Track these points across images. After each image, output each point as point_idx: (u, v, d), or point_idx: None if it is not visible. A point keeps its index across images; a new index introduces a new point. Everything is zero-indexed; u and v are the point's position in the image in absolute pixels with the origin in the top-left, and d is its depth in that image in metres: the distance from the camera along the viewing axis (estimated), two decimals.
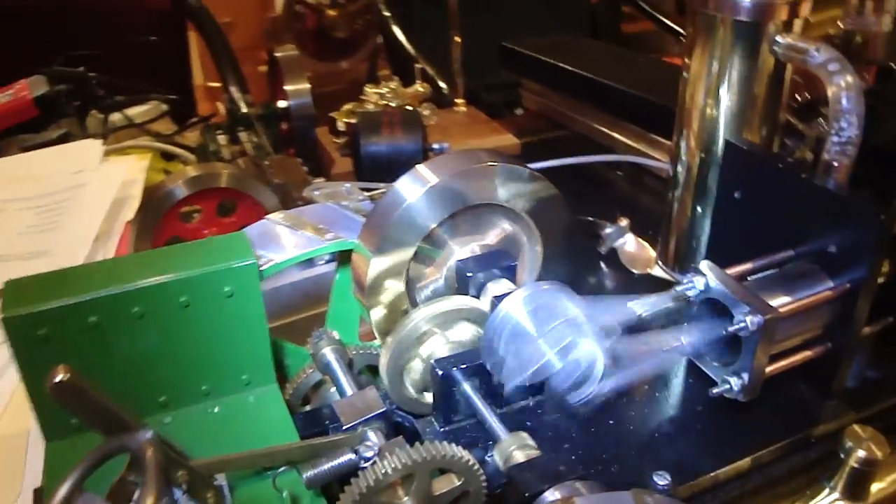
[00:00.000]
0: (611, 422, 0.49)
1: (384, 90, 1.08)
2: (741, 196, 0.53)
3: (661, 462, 0.45)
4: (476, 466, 0.41)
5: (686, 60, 0.56)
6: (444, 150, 0.95)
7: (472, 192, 0.50)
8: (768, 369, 0.47)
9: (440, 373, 0.46)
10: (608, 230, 0.71)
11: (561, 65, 1.05)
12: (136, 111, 1.33)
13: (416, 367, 0.49)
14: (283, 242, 0.52)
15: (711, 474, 0.45)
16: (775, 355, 0.48)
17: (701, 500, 0.46)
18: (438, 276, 0.51)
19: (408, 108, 1.00)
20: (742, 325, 0.43)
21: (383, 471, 0.39)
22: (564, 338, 0.42)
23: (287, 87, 0.98)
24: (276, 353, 0.54)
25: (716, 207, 0.56)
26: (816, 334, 0.49)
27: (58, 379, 0.36)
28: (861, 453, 0.46)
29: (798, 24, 0.53)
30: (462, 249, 0.52)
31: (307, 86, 0.98)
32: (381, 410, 0.46)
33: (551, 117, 1.17)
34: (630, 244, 0.70)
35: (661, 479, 0.44)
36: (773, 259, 0.50)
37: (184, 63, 1.67)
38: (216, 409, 0.50)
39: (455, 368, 0.46)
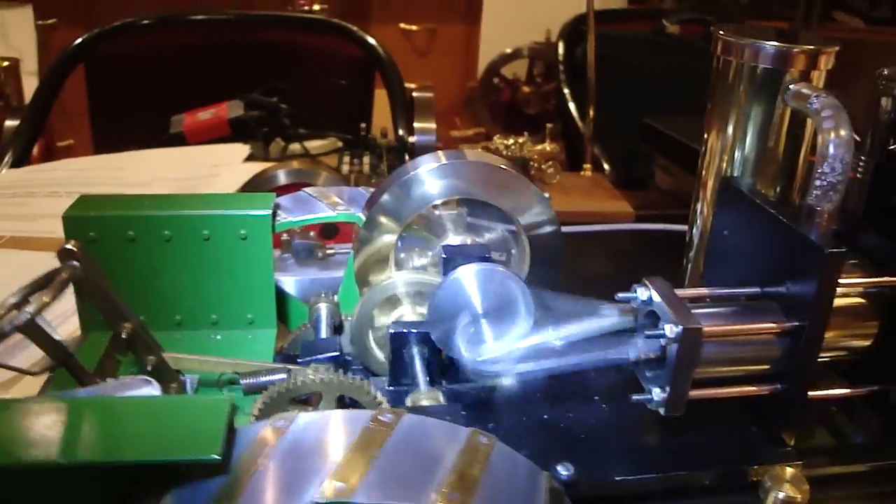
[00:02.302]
0: (545, 416, 0.52)
1: (510, 141, 1.17)
2: (729, 234, 0.55)
3: (573, 456, 0.48)
4: (382, 403, 0.47)
5: (707, 115, 0.60)
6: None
7: (477, 187, 0.56)
8: (700, 393, 0.48)
9: (392, 331, 0.52)
10: None
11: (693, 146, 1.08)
12: (314, 144, 1.52)
13: (383, 326, 0.55)
14: (306, 209, 0.61)
15: (617, 479, 0.47)
16: (712, 381, 0.49)
17: None
18: (426, 259, 0.58)
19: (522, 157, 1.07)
20: (661, 331, 0.46)
21: (296, 382, 0.46)
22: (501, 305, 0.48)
23: (416, 125, 1.10)
24: (284, 305, 0.63)
25: (709, 246, 0.58)
26: (764, 371, 0.49)
27: (69, 246, 0.47)
28: (780, 495, 0.45)
29: (817, 76, 0.55)
30: (454, 237, 0.58)
31: (433, 125, 1.10)
32: (333, 354, 0.53)
33: (679, 197, 1.19)
34: None
35: (564, 470, 0.47)
36: (736, 292, 0.51)
37: (367, 107, 1.87)
38: (218, 337, 0.60)
39: (408, 330, 0.52)
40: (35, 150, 1.54)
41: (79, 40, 1.67)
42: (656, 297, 0.48)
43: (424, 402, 0.47)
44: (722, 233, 0.56)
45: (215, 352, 0.56)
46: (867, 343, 0.53)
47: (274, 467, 0.35)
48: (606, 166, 1.64)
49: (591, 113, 1.25)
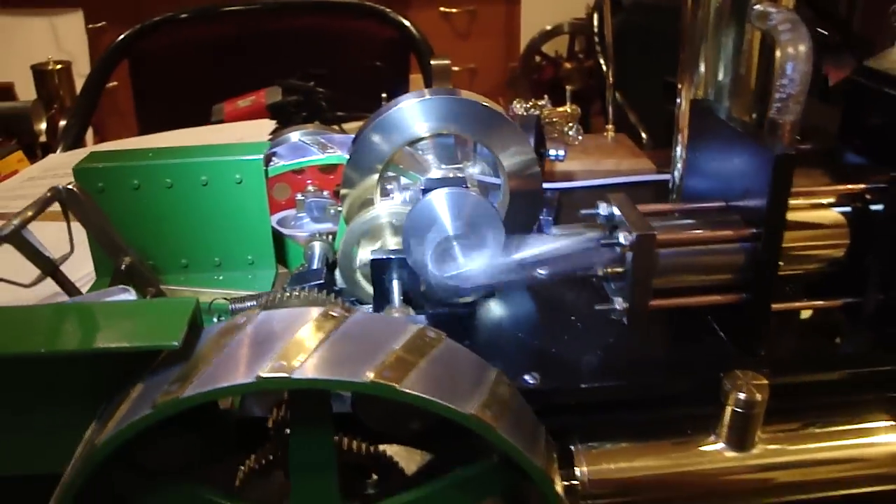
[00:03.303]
0: (519, 333, 0.55)
1: (530, 104, 1.20)
2: (700, 153, 0.57)
3: (543, 367, 0.50)
4: None
5: (683, 46, 0.61)
6: (560, 157, 1.03)
7: (457, 123, 0.59)
8: (662, 302, 0.50)
9: (373, 257, 0.56)
10: None
11: None
12: (351, 126, 1.57)
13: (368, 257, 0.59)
14: (298, 154, 0.65)
15: (583, 386, 0.50)
16: (676, 291, 0.51)
17: (578, 415, 0.50)
18: (410, 193, 0.62)
19: (534, 114, 1.10)
20: (616, 239, 0.48)
21: (273, 297, 0.50)
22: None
23: None
24: (285, 249, 0.67)
25: (685, 169, 0.60)
26: (728, 281, 0.51)
27: (68, 186, 0.52)
28: (741, 395, 0.47)
29: None
30: (436, 172, 0.62)
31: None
32: (318, 281, 0.57)
33: None
34: None
35: (532, 379, 0.50)
36: (702, 206, 0.53)
37: (403, 88, 1.92)
38: (221, 278, 0.65)
39: (387, 257, 0.56)
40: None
41: (120, 38, 1.76)
42: (616, 211, 0.50)
43: (395, 313, 0.51)
44: (695, 153, 0.58)
45: (214, 288, 0.61)
46: (840, 255, 0.54)
47: (228, 353, 0.39)
48: (644, 134, 1.65)
49: (611, 78, 1.26)
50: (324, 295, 0.51)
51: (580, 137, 1.18)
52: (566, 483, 0.47)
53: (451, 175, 0.62)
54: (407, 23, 1.80)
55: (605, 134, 1.27)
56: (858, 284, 0.54)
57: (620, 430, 0.50)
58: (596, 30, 1.92)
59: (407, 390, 0.37)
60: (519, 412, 0.42)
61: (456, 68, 2.57)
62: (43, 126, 1.92)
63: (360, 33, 1.86)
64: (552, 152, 1.03)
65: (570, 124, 1.19)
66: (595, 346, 0.53)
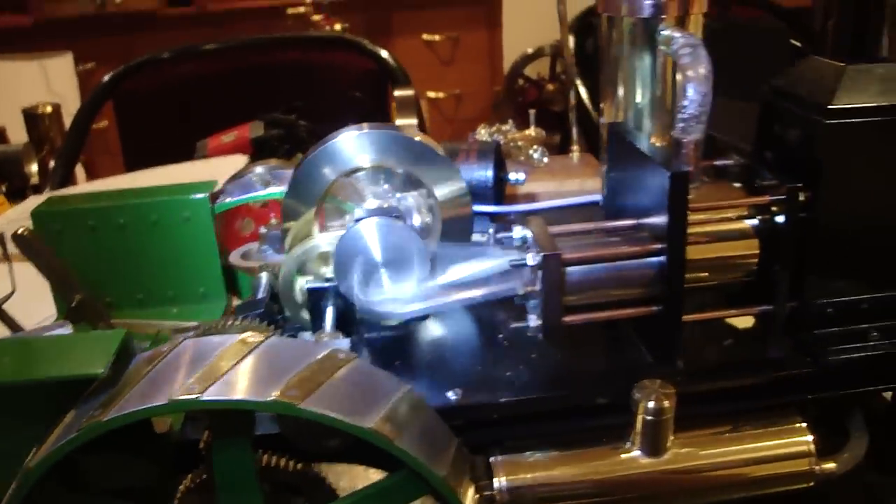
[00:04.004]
0: (446, 353, 0.58)
1: (493, 129, 1.24)
2: (616, 175, 0.61)
3: (466, 383, 0.54)
4: None
5: (601, 73, 0.65)
6: (520, 181, 1.07)
7: (389, 156, 0.63)
8: (575, 318, 0.54)
9: (308, 286, 0.60)
10: None
11: None
12: None
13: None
14: (243, 191, 0.69)
15: (502, 400, 0.53)
16: (593, 306, 0.55)
17: (502, 428, 0.53)
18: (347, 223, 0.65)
19: (494, 140, 1.14)
20: (523, 260, 0.52)
21: (209, 327, 0.54)
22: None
23: (398, 122, 1.18)
24: (235, 280, 0.71)
25: (606, 189, 0.64)
26: (642, 296, 0.55)
27: (19, 231, 0.56)
28: (650, 404, 0.51)
29: (694, 20, 0.61)
30: (372, 202, 0.66)
31: (415, 121, 1.17)
32: (258, 311, 0.61)
33: None
34: None
35: (454, 395, 0.53)
36: (615, 225, 0.57)
37: (383, 117, 1.97)
38: (175, 310, 0.69)
39: (322, 285, 0.60)
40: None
41: (105, 79, 1.82)
42: (529, 234, 0.54)
43: (325, 338, 0.54)
44: (611, 174, 0.61)
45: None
46: (753, 266, 0.57)
47: (150, 378, 0.43)
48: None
49: (573, 100, 1.30)
50: (256, 323, 0.55)
51: (545, 159, 1.22)
52: (487, 493, 0.50)
53: (385, 205, 0.65)
54: (384, 54, 1.85)
55: (571, 155, 1.31)
56: (769, 293, 0.57)
57: (542, 442, 0.53)
58: (572, 51, 1.97)
59: (307, 407, 0.40)
60: (426, 426, 0.45)
61: (441, 95, 2.64)
62: (34, 168, 1.97)
63: (339, 66, 1.92)
64: (512, 176, 1.07)
65: (535, 147, 1.23)
66: (519, 362, 0.56)
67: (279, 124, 1.64)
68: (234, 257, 0.83)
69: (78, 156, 1.79)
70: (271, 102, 1.72)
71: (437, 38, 2.62)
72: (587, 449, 0.52)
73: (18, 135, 2.21)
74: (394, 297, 0.55)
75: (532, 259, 0.51)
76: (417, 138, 0.65)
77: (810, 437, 0.53)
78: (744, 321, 0.60)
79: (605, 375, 0.56)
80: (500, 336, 0.59)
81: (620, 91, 0.64)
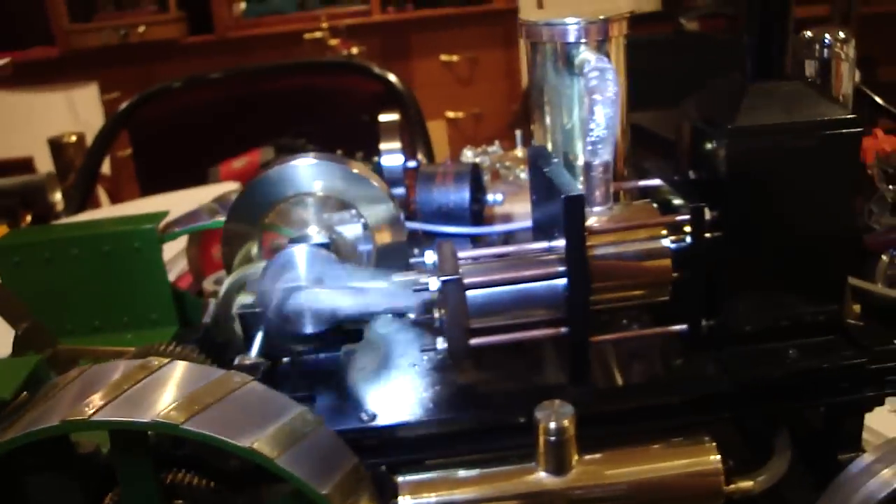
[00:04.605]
0: (362, 377, 0.61)
1: (479, 150, 1.27)
2: (537, 198, 0.63)
3: (380, 403, 0.56)
4: None
5: (531, 97, 0.68)
6: (497, 202, 1.09)
7: (323, 184, 0.67)
8: (482, 340, 0.56)
9: (239, 311, 0.63)
10: None
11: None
12: None
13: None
14: (192, 220, 0.73)
15: (412, 421, 0.56)
16: (505, 328, 0.57)
17: (407, 448, 0.56)
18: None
19: (470, 162, 1.16)
20: (425, 285, 0.54)
21: (138, 353, 0.58)
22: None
23: (382, 146, 1.22)
24: (186, 305, 0.75)
25: (532, 212, 0.66)
26: (552, 314, 0.57)
27: None
28: (551, 425, 0.53)
29: (615, 44, 0.63)
30: (310, 229, 0.69)
31: (398, 145, 1.21)
32: (197, 337, 0.64)
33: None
34: None
35: (365, 416, 0.56)
36: (527, 248, 0.59)
37: None
38: (129, 336, 0.73)
39: (251, 310, 0.63)
40: None
41: (120, 109, 1.90)
42: (436, 259, 0.57)
43: (246, 362, 0.58)
44: (532, 197, 0.64)
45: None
46: (669, 286, 0.59)
47: (53, 401, 0.46)
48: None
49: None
50: (180, 348, 0.58)
51: None
52: None
53: (321, 231, 0.69)
54: (392, 77, 1.90)
55: None
56: (685, 313, 0.59)
57: (464, 462, 0.55)
58: None
59: (188, 427, 0.43)
60: (316, 446, 0.48)
61: (460, 114, 2.68)
62: (58, 197, 2.06)
63: (348, 90, 1.97)
64: (490, 198, 1.10)
65: (522, 167, 1.26)
66: (437, 384, 0.59)
67: (289, 149, 1.69)
68: (208, 283, 0.87)
69: (94, 182, 1.87)
70: (282, 127, 1.78)
71: (454, 58, 2.66)
72: (494, 469, 0.54)
73: (46, 164, 2.31)
74: (309, 318, 0.58)
75: (433, 284, 0.54)
76: (354, 169, 0.69)
77: (717, 457, 0.55)
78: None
79: (519, 395, 0.58)
80: (424, 359, 0.62)
81: (546, 115, 0.66)
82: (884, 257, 0.95)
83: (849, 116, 0.56)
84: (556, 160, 0.61)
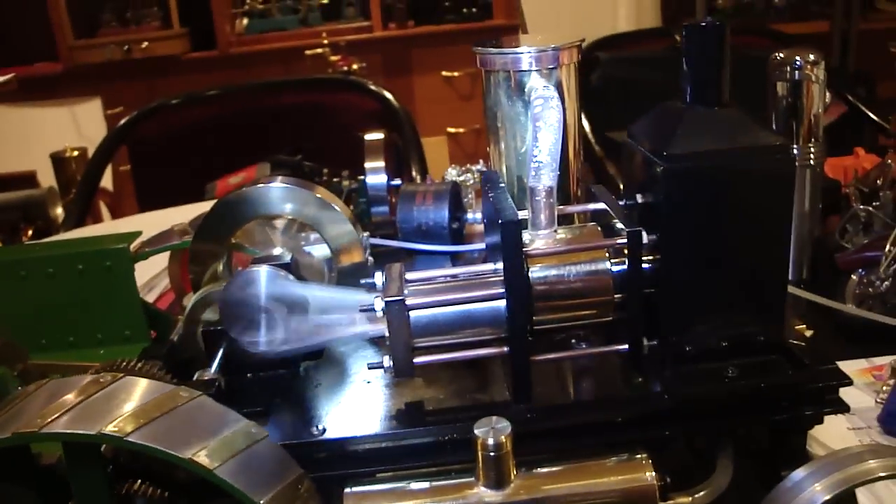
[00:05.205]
0: (317, 389, 0.64)
1: (463, 168, 1.30)
2: (488, 222, 0.66)
3: (332, 418, 0.60)
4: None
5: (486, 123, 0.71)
6: (477, 220, 1.13)
7: (284, 207, 0.71)
8: (427, 359, 0.59)
9: (203, 329, 0.67)
10: None
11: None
12: None
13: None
14: (163, 241, 0.77)
15: (359, 435, 0.59)
16: (449, 346, 0.60)
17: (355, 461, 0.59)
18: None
19: (450, 181, 1.20)
20: (371, 305, 0.58)
21: (111, 365, 0.61)
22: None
23: (367, 165, 1.25)
24: (160, 322, 0.79)
25: (485, 233, 0.70)
26: (495, 334, 0.60)
27: None
28: (488, 441, 0.56)
29: (566, 71, 0.67)
30: (276, 249, 0.73)
31: (382, 164, 1.24)
32: (167, 349, 0.68)
33: None
34: None
35: (315, 430, 0.59)
36: (477, 270, 0.62)
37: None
38: (102, 352, 0.77)
39: (214, 328, 0.67)
40: None
41: (119, 125, 1.95)
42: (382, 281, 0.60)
43: (204, 378, 0.61)
44: (483, 221, 0.67)
45: None
46: (611, 307, 0.62)
47: (10, 413, 0.50)
48: (622, 186, 1.73)
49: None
50: (142, 364, 0.62)
51: None
52: None
53: (285, 251, 0.72)
54: (388, 95, 1.94)
55: None
56: (628, 332, 0.62)
57: (397, 476, 0.58)
58: None
59: (132, 439, 0.47)
60: (258, 459, 0.51)
61: (461, 130, 2.71)
62: (59, 211, 2.11)
63: (344, 107, 2.01)
64: (470, 216, 1.13)
65: None
66: (386, 399, 0.62)
67: (285, 165, 1.73)
68: (188, 299, 0.91)
69: (92, 197, 1.91)
70: (278, 144, 1.83)
71: (455, 74, 2.71)
72: (435, 482, 0.57)
73: (49, 179, 2.36)
74: (267, 339, 0.62)
75: (378, 304, 0.57)
76: (318, 194, 0.72)
77: (651, 473, 0.57)
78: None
79: (464, 412, 0.61)
80: (377, 376, 0.65)
81: (500, 141, 0.70)
82: (854, 276, 0.98)
83: (780, 143, 0.59)
84: (502, 185, 0.64)
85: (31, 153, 2.55)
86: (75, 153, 2.26)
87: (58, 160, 2.25)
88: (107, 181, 2.20)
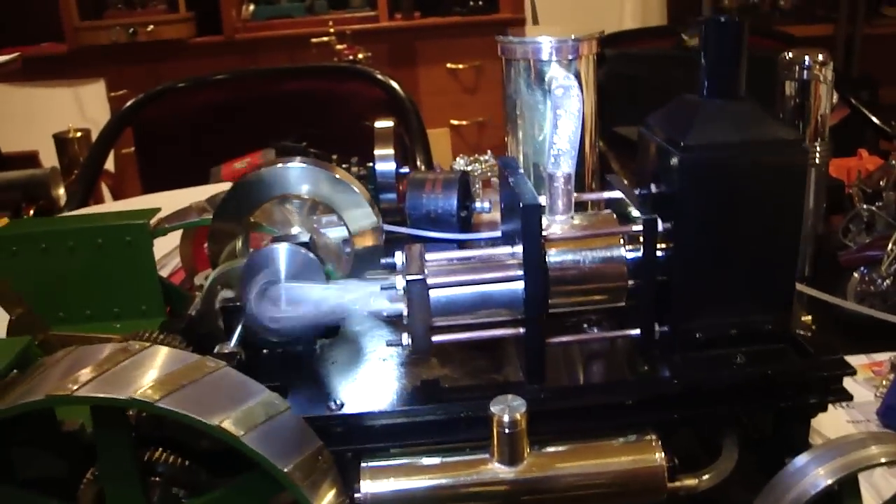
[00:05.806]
0: (333, 366, 0.66)
1: (471, 158, 1.32)
2: (506, 207, 0.68)
3: (349, 393, 0.61)
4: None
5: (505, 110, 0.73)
6: (486, 210, 1.14)
7: (302, 187, 0.72)
8: (444, 338, 0.61)
9: (220, 305, 0.68)
10: None
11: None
12: None
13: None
14: (182, 217, 0.79)
15: (377, 411, 0.60)
16: (467, 326, 0.62)
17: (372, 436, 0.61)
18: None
19: (459, 170, 1.21)
20: (392, 284, 0.59)
21: (134, 336, 0.63)
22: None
23: (376, 152, 1.27)
24: (175, 298, 0.80)
25: (502, 219, 0.71)
26: (511, 316, 0.61)
27: None
28: (504, 418, 0.57)
29: (585, 62, 0.68)
30: (295, 228, 0.74)
31: (391, 152, 1.26)
32: (181, 326, 0.69)
33: None
34: None
35: (333, 404, 0.61)
36: (494, 253, 0.64)
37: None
38: (118, 326, 0.78)
39: (233, 304, 0.68)
40: None
41: (125, 106, 1.96)
42: (403, 261, 0.62)
43: (224, 351, 0.63)
44: (503, 206, 0.69)
45: None
46: (624, 292, 0.63)
47: (40, 378, 0.51)
48: (626, 181, 1.75)
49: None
50: (163, 336, 0.63)
51: None
52: (357, 496, 0.58)
53: (303, 231, 0.74)
54: (393, 84, 1.95)
55: None
56: (640, 317, 0.63)
57: (413, 452, 0.60)
58: None
59: (162, 405, 0.48)
60: (281, 428, 0.52)
61: (465, 122, 2.72)
62: (61, 191, 2.12)
63: (350, 95, 2.02)
64: (478, 205, 1.14)
65: None
66: (402, 377, 0.64)
67: (290, 151, 1.74)
68: (199, 278, 0.92)
69: (96, 179, 1.92)
70: (284, 130, 1.83)
71: (460, 66, 2.72)
72: (451, 458, 0.59)
73: (51, 159, 2.37)
74: (285, 314, 0.63)
75: (399, 283, 0.59)
76: (337, 175, 0.74)
77: (661, 454, 0.59)
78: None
79: (479, 390, 0.62)
80: (393, 354, 0.67)
81: (518, 128, 0.71)
82: (855, 274, 1.00)
83: (794, 137, 0.60)
84: (520, 170, 0.66)
85: (33, 133, 2.56)
86: (78, 134, 2.26)
87: (60, 141, 2.25)
88: (109, 163, 2.20)
